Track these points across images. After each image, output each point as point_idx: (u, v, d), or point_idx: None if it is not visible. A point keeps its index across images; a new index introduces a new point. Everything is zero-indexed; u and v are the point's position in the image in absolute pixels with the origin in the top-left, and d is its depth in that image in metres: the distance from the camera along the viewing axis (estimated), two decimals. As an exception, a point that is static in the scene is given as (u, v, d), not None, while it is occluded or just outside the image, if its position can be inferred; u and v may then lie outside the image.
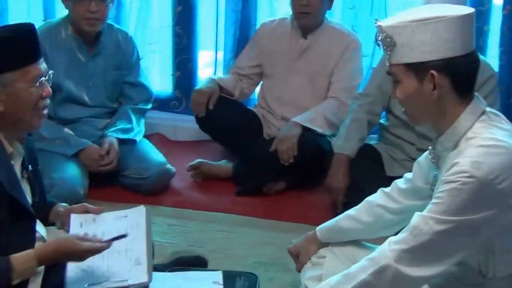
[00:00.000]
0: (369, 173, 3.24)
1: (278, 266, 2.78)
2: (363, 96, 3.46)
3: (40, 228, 2.11)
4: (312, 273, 2.25)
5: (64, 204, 2.30)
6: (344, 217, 2.32)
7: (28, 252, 1.90)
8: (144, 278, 2.04)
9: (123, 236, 2.06)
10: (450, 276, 1.96)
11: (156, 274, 2.28)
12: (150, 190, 3.43)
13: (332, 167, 3.33)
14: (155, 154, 3.59)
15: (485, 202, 1.78)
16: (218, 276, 2.40)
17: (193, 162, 3.69)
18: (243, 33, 4.12)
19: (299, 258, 2.37)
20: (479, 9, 3.70)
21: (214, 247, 2.96)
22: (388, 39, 1.87)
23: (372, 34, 3.52)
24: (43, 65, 1.98)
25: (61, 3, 3.50)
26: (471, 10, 1.90)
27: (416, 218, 1.85)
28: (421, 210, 1.87)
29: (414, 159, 2.23)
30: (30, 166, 2.07)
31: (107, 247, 1.99)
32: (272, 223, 3.20)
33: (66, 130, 3.44)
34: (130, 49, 3.67)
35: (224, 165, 3.68)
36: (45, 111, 2.03)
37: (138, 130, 3.61)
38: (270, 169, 3.48)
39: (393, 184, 2.27)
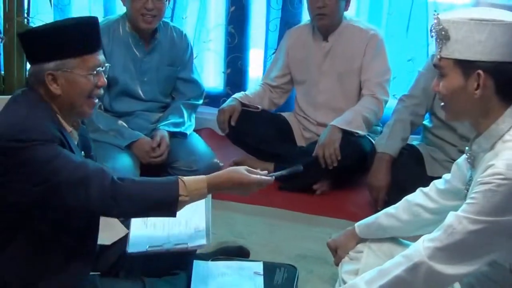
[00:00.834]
0: (410, 172, 3.22)
1: (317, 260, 2.79)
2: (408, 97, 3.43)
3: None
4: (349, 267, 2.25)
5: None
6: (383, 215, 2.32)
7: (200, 177, 2.07)
8: (203, 241, 2.12)
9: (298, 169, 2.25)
10: (481, 275, 1.96)
11: (199, 263, 2.33)
12: (198, 183, 3.47)
13: (374, 165, 3.32)
14: (204, 148, 3.61)
15: (519, 202, 1.76)
16: (259, 266, 2.42)
17: (238, 158, 3.73)
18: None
19: (337, 252, 2.38)
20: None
21: (256, 239, 2.97)
22: (443, 32, 1.85)
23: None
24: (101, 56, 2.05)
25: (120, 1, 3.57)
26: None
27: (450, 217, 1.84)
28: (457, 210, 1.86)
29: (455, 160, 2.22)
30: (83, 152, 2.13)
31: (271, 181, 2.17)
32: (312, 218, 3.20)
33: (120, 122, 3.50)
34: (184, 46, 3.69)
35: (267, 162, 3.67)
36: (97, 100, 2.09)
37: (189, 125, 3.64)
38: (313, 173, 3.44)
39: (431, 184, 2.26)
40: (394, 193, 3.00)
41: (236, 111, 3.69)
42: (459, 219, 1.81)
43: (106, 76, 2.09)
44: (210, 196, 2.23)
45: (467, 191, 1.96)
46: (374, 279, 1.91)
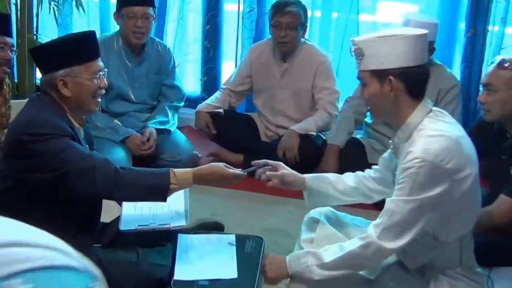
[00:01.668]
0: (354, 160, 3.24)
1: (280, 233, 2.82)
2: (352, 99, 3.48)
3: None
4: (306, 236, 2.25)
5: None
6: (332, 174, 2.30)
7: (187, 169, 2.07)
8: (183, 223, 2.13)
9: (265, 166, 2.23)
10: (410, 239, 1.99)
11: (183, 235, 2.34)
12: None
13: (325, 155, 3.37)
14: (186, 142, 3.63)
15: (438, 180, 1.79)
16: (232, 238, 2.42)
17: (213, 150, 3.74)
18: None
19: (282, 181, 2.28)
20: (449, 32, 3.72)
21: (229, 216, 2.98)
22: (359, 51, 1.89)
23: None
24: (101, 63, 2.06)
25: (114, 20, 3.55)
26: (424, 31, 1.91)
27: (388, 203, 1.87)
28: (384, 193, 1.89)
29: (390, 150, 2.25)
30: (87, 146, 2.13)
31: (245, 175, 2.18)
32: (276, 198, 3.20)
33: (116, 121, 3.48)
34: (168, 58, 3.68)
35: (237, 154, 3.65)
36: (100, 99, 2.09)
37: (172, 123, 3.63)
38: None
39: (366, 171, 2.27)
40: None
41: (209, 122, 3.64)
42: (395, 203, 1.84)
43: (106, 79, 2.09)
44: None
45: (395, 176, 1.97)
46: (335, 252, 1.93)
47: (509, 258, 2.34)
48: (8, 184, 1.96)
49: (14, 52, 2.97)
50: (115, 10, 3.51)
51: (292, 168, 2.31)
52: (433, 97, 2.94)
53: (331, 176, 2.28)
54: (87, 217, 2.07)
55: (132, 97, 3.60)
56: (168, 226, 2.15)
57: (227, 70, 4.32)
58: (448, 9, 3.69)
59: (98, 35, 2.45)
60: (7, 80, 3.02)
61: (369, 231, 1.88)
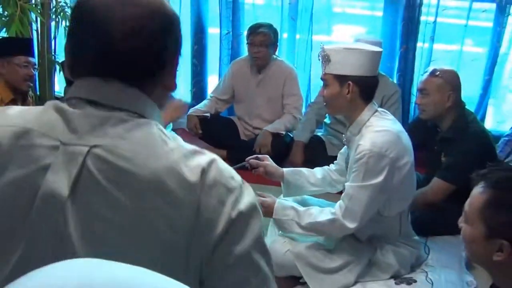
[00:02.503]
0: (316, 153, 3.29)
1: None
2: (314, 103, 3.52)
3: None
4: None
5: None
6: (305, 169, 2.31)
7: None
8: None
9: (244, 165, 2.15)
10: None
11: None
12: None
13: (293, 149, 3.39)
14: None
15: (384, 167, 1.82)
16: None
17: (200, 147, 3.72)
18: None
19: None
20: (390, 48, 3.78)
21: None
22: (327, 57, 1.90)
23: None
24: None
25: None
26: (380, 49, 1.95)
27: (347, 189, 1.89)
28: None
29: (345, 144, 2.28)
30: None
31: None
32: (259, 186, 3.01)
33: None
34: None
35: (221, 150, 3.60)
36: None
37: (168, 126, 3.62)
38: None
39: (330, 166, 2.29)
40: (307, 167, 3.05)
41: (196, 123, 3.65)
42: (352, 188, 1.86)
43: None
44: None
45: (347, 165, 2.01)
46: (312, 217, 1.93)
47: (442, 229, 2.39)
48: None
49: (36, 70, 2.98)
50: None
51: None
52: (378, 101, 2.98)
53: (305, 170, 2.29)
54: None
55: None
56: None
57: (212, 82, 4.31)
58: (388, 30, 3.74)
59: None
60: (30, 92, 3.04)
61: (336, 209, 1.89)
